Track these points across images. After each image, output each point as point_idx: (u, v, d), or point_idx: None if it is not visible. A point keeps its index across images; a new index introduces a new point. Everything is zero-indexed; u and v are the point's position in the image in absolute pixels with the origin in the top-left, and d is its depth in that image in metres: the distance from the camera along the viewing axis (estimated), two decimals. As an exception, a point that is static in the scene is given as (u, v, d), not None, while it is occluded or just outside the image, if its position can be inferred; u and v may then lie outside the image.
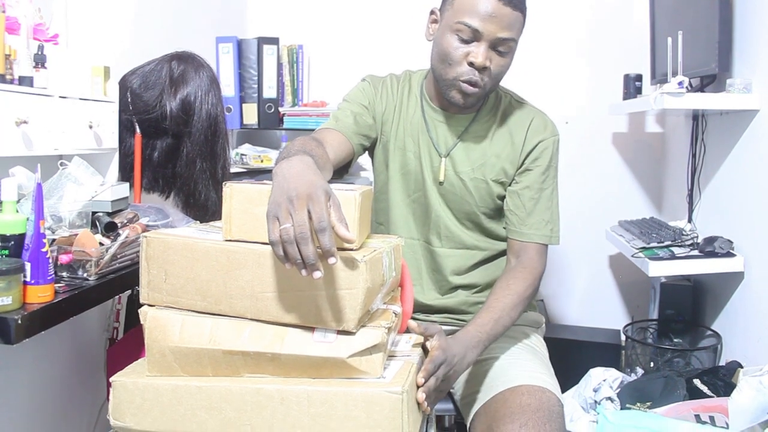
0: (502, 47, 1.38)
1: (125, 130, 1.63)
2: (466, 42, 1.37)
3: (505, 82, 1.61)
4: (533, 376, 1.34)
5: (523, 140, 1.51)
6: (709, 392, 1.65)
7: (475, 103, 1.46)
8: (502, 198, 1.53)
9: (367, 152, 1.62)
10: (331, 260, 0.94)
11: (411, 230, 1.58)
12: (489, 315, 1.35)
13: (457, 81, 1.40)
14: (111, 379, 1.07)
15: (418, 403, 1.09)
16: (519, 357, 1.44)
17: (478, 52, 1.36)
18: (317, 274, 0.94)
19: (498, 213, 1.55)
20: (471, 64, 1.38)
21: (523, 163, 1.51)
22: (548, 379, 1.36)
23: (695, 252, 1.95)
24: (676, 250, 1.97)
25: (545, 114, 1.55)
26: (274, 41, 2.65)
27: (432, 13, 1.48)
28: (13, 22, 1.31)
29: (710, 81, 2.05)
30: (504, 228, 1.54)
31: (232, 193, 1.06)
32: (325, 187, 0.99)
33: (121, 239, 1.27)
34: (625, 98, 2.42)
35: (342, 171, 1.55)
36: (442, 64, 1.42)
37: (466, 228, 1.56)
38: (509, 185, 1.52)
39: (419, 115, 1.55)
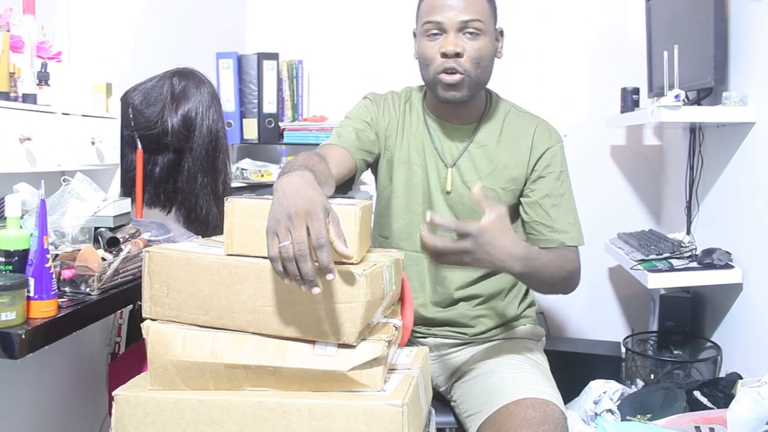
0: (470, 29, 1.42)
1: (127, 146, 1.64)
2: (435, 37, 1.43)
3: (504, 95, 1.63)
4: (537, 389, 1.34)
5: (530, 148, 1.52)
6: (709, 404, 1.65)
7: (466, 96, 1.45)
8: (511, 207, 1.52)
9: (369, 169, 1.63)
10: (329, 276, 0.95)
11: (416, 244, 1.56)
12: (540, 250, 1.38)
13: (437, 76, 1.44)
14: (113, 393, 1.07)
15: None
16: (521, 370, 1.43)
17: (447, 41, 1.41)
18: (316, 290, 0.95)
19: None
20: (444, 55, 1.42)
21: (533, 171, 1.52)
22: (551, 392, 1.36)
23: (694, 264, 1.96)
24: (675, 262, 1.98)
25: (547, 121, 1.57)
26: (273, 57, 2.68)
27: (414, 35, 1.53)
28: (17, 40, 1.33)
29: (706, 94, 2.07)
30: (530, 241, 1.52)
31: (234, 208, 1.07)
32: (324, 204, 1.00)
33: (123, 254, 1.27)
34: (622, 111, 2.44)
35: (346, 186, 1.55)
36: (424, 69, 1.48)
37: None
38: (522, 196, 1.53)
39: (423, 129, 1.56)
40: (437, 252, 1.18)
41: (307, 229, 0.95)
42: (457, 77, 1.42)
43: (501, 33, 1.52)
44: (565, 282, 1.45)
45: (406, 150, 1.56)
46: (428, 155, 1.55)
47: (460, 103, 1.47)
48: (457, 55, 1.41)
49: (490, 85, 1.60)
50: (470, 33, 1.42)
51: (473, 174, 1.52)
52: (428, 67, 1.45)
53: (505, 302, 1.60)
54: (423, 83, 1.55)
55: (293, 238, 0.95)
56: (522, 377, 1.39)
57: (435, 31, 1.43)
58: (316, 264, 0.95)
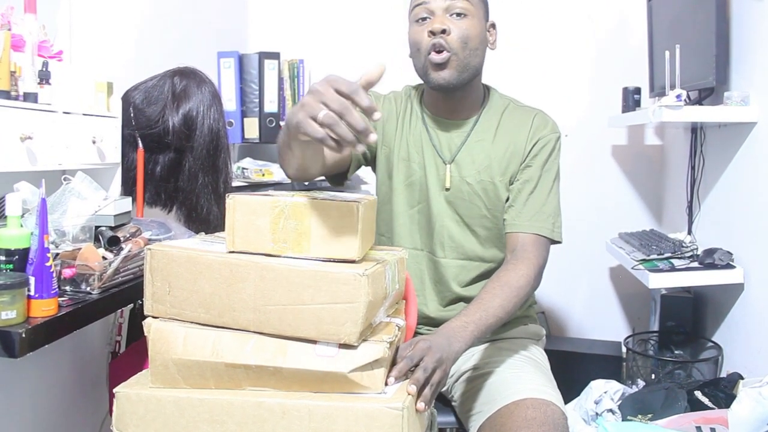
0: (458, 10, 1.44)
1: (128, 145, 1.64)
2: (423, 21, 1.47)
3: (506, 93, 1.63)
4: (537, 389, 1.34)
5: (526, 139, 1.52)
6: (710, 404, 1.65)
7: (455, 77, 1.45)
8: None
9: (369, 166, 1.64)
10: (376, 115, 0.95)
11: (415, 241, 1.58)
12: (477, 305, 1.31)
13: (427, 58, 1.46)
14: (114, 390, 1.07)
15: (415, 402, 1.04)
16: (522, 370, 1.43)
17: (434, 21, 1.44)
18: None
19: None
20: (431, 33, 1.44)
21: (524, 160, 1.52)
22: (552, 392, 1.36)
23: (695, 264, 1.96)
24: (676, 262, 1.98)
25: (546, 113, 1.57)
26: (275, 56, 2.68)
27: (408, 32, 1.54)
28: (18, 39, 1.32)
29: (708, 94, 2.07)
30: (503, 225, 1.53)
31: (236, 204, 1.07)
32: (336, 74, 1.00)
33: (123, 253, 1.27)
34: (624, 111, 2.44)
35: (340, 179, 1.58)
36: (416, 56, 1.50)
37: (474, 236, 1.55)
38: (512, 184, 1.52)
39: (421, 126, 1.57)
40: (425, 396, 1.08)
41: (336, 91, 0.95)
42: (444, 55, 1.43)
43: (493, 26, 1.54)
44: (524, 296, 1.39)
45: (405, 147, 1.57)
46: (426, 152, 1.55)
47: (451, 87, 1.47)
48: (444, 32, 1.42)
49: (491, 82, 1.60)
50: (456, 14, 1.44)
51: (471, 169, 1.52)
52: (419, 52, 1.47)
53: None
54: (421, 82, 1.55)
55: (327, 102, 0.95)
56: (523, 377, 1.39)
57: (424, 15, 1.46)
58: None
